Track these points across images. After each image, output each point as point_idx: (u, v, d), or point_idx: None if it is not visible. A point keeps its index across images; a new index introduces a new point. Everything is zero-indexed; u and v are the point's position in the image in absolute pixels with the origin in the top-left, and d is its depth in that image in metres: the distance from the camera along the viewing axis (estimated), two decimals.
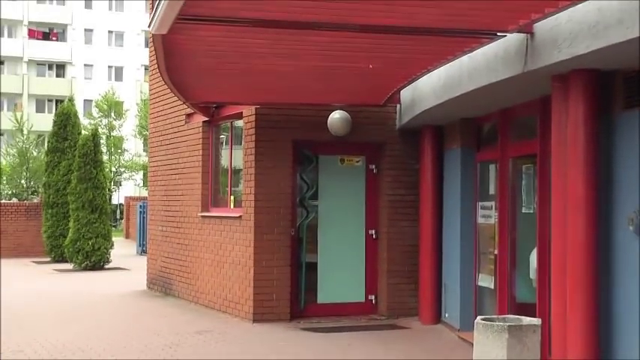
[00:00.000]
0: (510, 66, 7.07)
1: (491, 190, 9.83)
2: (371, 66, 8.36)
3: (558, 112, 6.95)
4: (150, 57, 15.41)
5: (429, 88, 9.38)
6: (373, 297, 11.60)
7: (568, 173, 6.77)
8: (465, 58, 8.07)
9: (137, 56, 62.57)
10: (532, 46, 6.68)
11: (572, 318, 6.71)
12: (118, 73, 64.17)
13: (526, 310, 8.36)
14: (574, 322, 6.70)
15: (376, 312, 11.54)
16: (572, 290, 6.72)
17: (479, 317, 6.48)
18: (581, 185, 6.68)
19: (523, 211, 9.00)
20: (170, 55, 7.87)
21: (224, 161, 12.98)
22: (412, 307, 11.32)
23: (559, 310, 6.91)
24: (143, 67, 61.22)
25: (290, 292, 11.11)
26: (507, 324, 6.20)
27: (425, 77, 9.28)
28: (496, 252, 9.41)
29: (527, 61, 6.76)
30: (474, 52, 7.75)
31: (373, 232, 11.61)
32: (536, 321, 6.39)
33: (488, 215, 9.81)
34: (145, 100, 47.24)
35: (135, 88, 61.03)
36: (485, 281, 9.82)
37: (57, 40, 63.81)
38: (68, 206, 21.26)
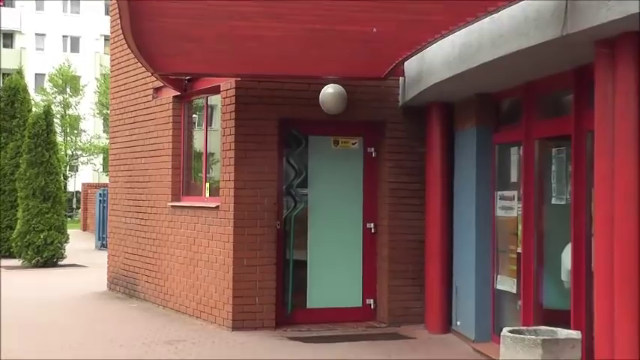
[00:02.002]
0: (545, 29, 6.73)
1: (513, 178, 9.55)
2: (374, 29, 8.02)
3: (604, 82, 6.58)
4: (112, 22, 15.07)
5: (441, 59, 9.11)
6: (372, 301, 11.34)
7: (616, 155, 6.41)
8: (485, 23, 7.77)
9: (96, 25, 62.20)
10: (573, 4, 6.35)
11: (622, 329, 6.33)
12: (74, 44, 63.81)
13: (556, 318, 8.11)
14: (624, 335, 6.31)
15: (375, 319, 11.30)
16: (620, 296, 6.33)
17: (505, 329, 6.24)
18: (633, 169, 6.30)
19: (553, 202, 8.67)
20: (137, 15, 7.58)
21: (198, 143, 12.62)
22: (417, 314, 11.07)
23: (605, 320, 6.52)
24: (103, 38, 60.83)
25: (275, 295, 10.87)
26: (540, 337, 5.95)
27: (435, 46, 9.02)
28: (519, 250, 9.13)
29: (566, 23, 6.40)
30: (498, 15, 7.44)
31: (372, 225, 11.34)
32: (575, 334, 6.15)
33: (509, 207, 9.52)
34: (105, 75, 46.94)
35: (94, 61, 60.65)
36: (506, 284, 9.53)
37: (3, 5, 63.10)
38: (16, 194, 21.05)
